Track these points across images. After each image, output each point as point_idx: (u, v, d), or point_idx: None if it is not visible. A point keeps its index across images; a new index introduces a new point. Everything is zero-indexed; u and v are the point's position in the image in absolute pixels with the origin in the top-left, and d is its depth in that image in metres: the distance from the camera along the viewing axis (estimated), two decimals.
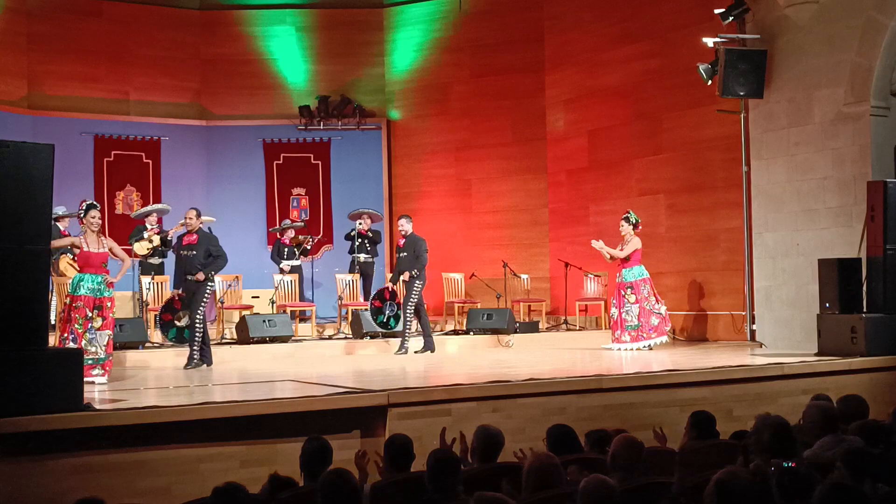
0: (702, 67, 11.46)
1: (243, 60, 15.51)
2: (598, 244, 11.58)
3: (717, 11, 11.37)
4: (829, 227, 10.76)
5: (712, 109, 12.04)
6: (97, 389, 7.84)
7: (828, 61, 10.75)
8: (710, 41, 11.40)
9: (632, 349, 11.10)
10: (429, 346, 11.32)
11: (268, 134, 15.51)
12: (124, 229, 13.93)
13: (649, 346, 11.13)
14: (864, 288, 9.81)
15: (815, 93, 10.88)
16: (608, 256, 11.55)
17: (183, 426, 6.30)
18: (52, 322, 10.62)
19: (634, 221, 11.45)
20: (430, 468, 4.41)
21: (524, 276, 14.10)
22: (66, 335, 8.48)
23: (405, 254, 11.35)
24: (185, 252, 10.02)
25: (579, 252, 14.02)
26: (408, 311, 11.21)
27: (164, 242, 13.13)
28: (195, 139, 15.32)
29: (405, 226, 11.54)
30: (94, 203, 9.01)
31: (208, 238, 10.12)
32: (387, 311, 11.72)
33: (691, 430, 5.71)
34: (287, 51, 15.64)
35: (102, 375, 8.45)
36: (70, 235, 12.52)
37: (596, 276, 13.59)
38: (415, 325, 11.43)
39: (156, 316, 11.24)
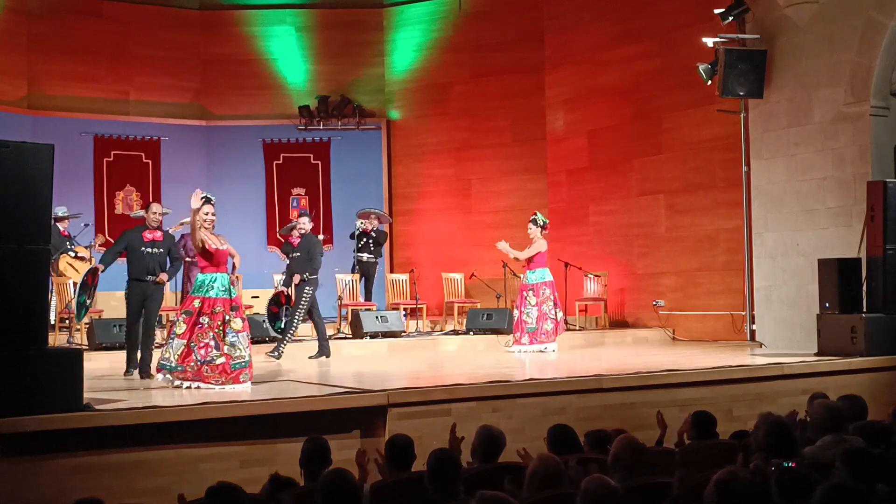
0: (702, 67, 11.46)
1: (243, 60, 15.51)
2: (502, 245, 11.44)
3: (717, 11, 11.37)
4: (829, 227, 10.76)
5: (712, 109, 12.04)
6: (244, 397, 7.15)
7: (828, 61, 10.75)
8: (710, 41, 11.40)
9: (528, 352, 10.97)
10: (323, 352, 10.53)
11: (268, 134, 15.51)
12: (124, 229, 13.91)
13: (542, 349, 10.96)
14: (864, 288, 9.81)
15: (815, 93, 10.88)
16: (512, 257, 11.45)
17: (183, 426, 6.30)
18: (52, 322, 10.65)
19: (542, 223, 11.36)
20: (430, 468, 4.42)
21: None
22: (200, 342, 7.67)
23: (298, 254, 10.60)
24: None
25: (579, 252, 14.03)
26: (296, 317, 10.39)
27: None
28: (195, 139, 15.32)
29: (306, 225, 10.74)
30: (209, 196, 8.16)
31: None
32: (284, 317, 10.69)
33: (691, 430, 5.71)
34: (287, 51, 15.64)
35: (250, 380, 7.73)
36: (70, 236, 12.54)
37: (596, 276, 13.59)
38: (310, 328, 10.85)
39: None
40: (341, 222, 14.91)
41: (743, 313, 11.88)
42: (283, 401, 6.86)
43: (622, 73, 13.76)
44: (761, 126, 11.49)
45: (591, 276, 13.61)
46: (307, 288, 10.38)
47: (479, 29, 15.23)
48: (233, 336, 7.75)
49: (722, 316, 12.36)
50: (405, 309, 13.30)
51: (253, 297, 13.15)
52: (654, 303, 13.15)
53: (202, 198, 8.02)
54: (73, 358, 6.28)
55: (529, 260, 11.30)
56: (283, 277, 10.96)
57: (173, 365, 7.70)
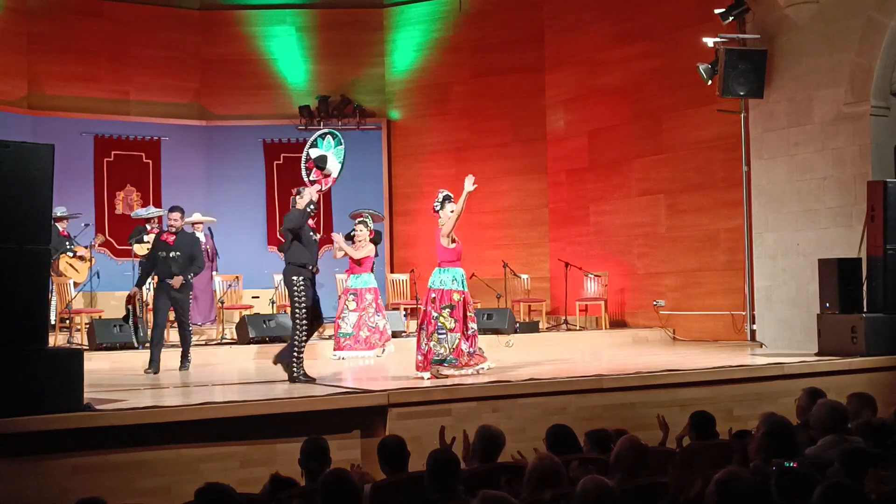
0: (702, 67, 11.46)
1: (243, 60, 15.51)
2: (337, 236, 11.29)
3: (717, 11, 11.37)
4: (829, 227, 10.76)
5: (712, 109, 12.04)
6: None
7: (828, 61, 10.75)
8: (710, 41, 11.40)
9: (342, 358, 10.63)
10: (185, 364, 9.54)
11: (268, 134, 15.51)
12: (124, 230, 13.94)
13: (362, 356, 10.59)
14: (864, 288, 9.81)
15: (815, 93, 10.88)
16: (340, 252, 11.11)
17: (183, 426, 6.30)
18: (52, 322, 10.65)
19: (371, 226, 11.28)
20: (429, 468, 4.42)
21: (524, 276, 14.09)
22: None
23: (177, 253, 9.43)
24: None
25: (579, 252, 14.04)
26: (187, 327, 9.57)
27: None
28: (195, 139, 15.32)
29: (177, 221, 9.60)
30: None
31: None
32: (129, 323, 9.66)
33: (691, 430, 5.71)
34: (287, 51, 15.64)
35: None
36: (69, 236, 12.54)
37: (596, 276, 13.59)
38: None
39: None
40: (341, 222, 14.90)
41: (743, 313, 11.88)
42: (283, 401, 6.87)
43: (622, 73, 13.76)
44: (761, 126, 11.49)
45: (592, 276, 13.61)
46: (188, 291, 9.56)
47: (479, 29, 15.23)
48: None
49: (722, 316, 12.35)
50: (405, 309, 13.30)
51: (253, 297, 13.17)
52: (655, 303, 13.15)
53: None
54: (73, 358, 6.28)
55: (359, 262, 11.08)
56: (140, 278, 9.79)
57: (450, 358, 8.27)
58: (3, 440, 5.80)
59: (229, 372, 9.60)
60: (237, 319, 12.11)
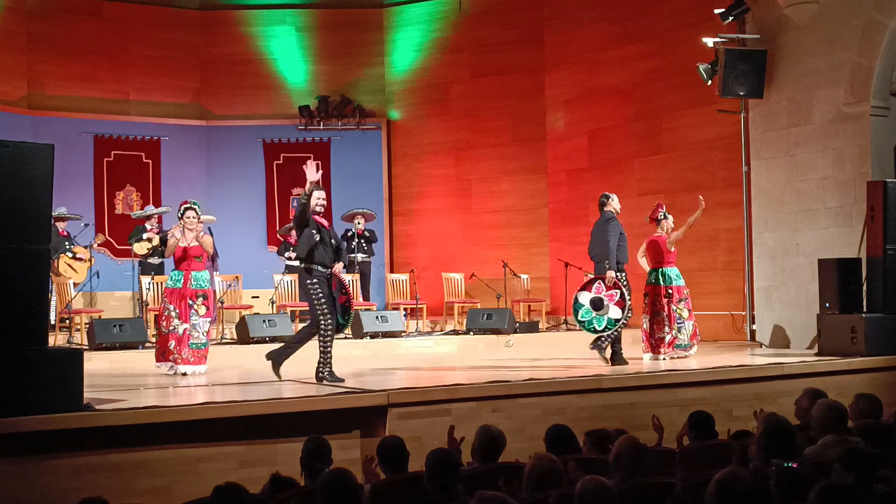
0: (702, 67, 11.46)
1: (243, 60, 15.51)
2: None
3: (717, 11, 11.37)
4: (829, 227, 10.76)
5: (712, 109, 12.04)
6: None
7: (828, 61, 10.75)
8: (710, 41, 11.40)
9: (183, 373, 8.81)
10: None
11: (268, 134, 15.51)
12: (124, 230, 13.94)
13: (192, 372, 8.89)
14: (864, 288, 9.82)
15: (815, 93, 10.88)
16: (176, 240, 9.07)
17: (183, 426, 6.29)
18: (52, 322, 10.66)
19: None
20: (429, 468, 4.41)
21: (524, 276, 14.10)
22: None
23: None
24: None
25: (579, 252, 13.98)
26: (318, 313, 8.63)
27: (164, 242, 13.11)
28: (195, 139, 15.32)
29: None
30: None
31: None
32: None
33: (691, 430, 5.71)
34: (287, 51, 15.64)
35: None
36: (69, 236, 12.55)
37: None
38: None
39: None
40: (341, 222, 14.91)
41: (743, 313, 11.88)
42: (283, 401, 6.86)
43: (622, 73, 13.76)
44: (761, 126, 11.49)
45: (591, 277, 13.58)
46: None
47: (479, 29, 15.23)
48: None
49: (722, 316, 12.35)
50: (405, 309, 13.30)
51: (253, 297, 13.17)
52: None
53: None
54: (73, 358, 6.27)
55: (198, 258, 9.20)
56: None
57: (687, 342, 9.78)
58: (3, 440, 5.80)
59: (229, 372, 9.59)
60: (237, 319, 12.11)
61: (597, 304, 9.37)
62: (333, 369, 8.02)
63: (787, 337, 11.15)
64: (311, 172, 8.06)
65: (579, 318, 9.43)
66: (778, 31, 11.22)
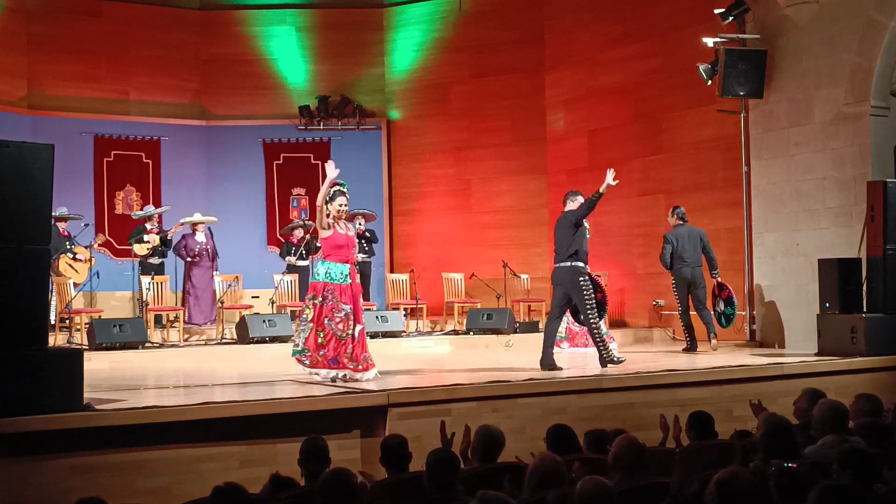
0: (702, 67, 11.46)
1: (243, 60, 15.50)
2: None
3: (717, 11, 11.37)
4: (829, 227, 10.76)
5: (712, 109, 12.03)
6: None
7: (828, 61, 10.75)
8: (710, 41, 11.40)
9: None
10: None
11: (268, 134, 15.51)
12: (124, 230, 13.94)
13: None
14: (864, 288, 9.82)
15: (815, 93, 10.88)
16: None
17: (183, 426, 6.30)
18: (52, 322, 10.66)
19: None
20: (429, 468, 4.42)
21: (524, 276, 14.09)
22: None
23: None
24: None
25: None
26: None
27: (164, 242, 13.13)
28: (195, 139, 15.32)
29: None
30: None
31: None
32: None
33: (690, 430, 5.71)
34: (287, 51, 15.64)
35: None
36: (69, 236, 12.55)
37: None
38: None
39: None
40: None
41: (743, 313, 11.88)
42: (283, 401, 6.86)
43: (622, 73, 13.75)
44: (761, 126, 11.49)
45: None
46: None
47: (479, 29, 15.22)
48: None
49: None
50: (405, 309, 13.30)
51: (253, 297, 13.17)
52: (654, 303, 13.15)
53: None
54: (73, 358, 6.28)
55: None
56: None
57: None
58: (3, 440, 5.80)
59: (229, 372, 9.60)
60: (237, 319, 12.11)
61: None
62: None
63: (787, 337, 11.15)
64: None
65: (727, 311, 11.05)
66: (778, 32, 11.23)
